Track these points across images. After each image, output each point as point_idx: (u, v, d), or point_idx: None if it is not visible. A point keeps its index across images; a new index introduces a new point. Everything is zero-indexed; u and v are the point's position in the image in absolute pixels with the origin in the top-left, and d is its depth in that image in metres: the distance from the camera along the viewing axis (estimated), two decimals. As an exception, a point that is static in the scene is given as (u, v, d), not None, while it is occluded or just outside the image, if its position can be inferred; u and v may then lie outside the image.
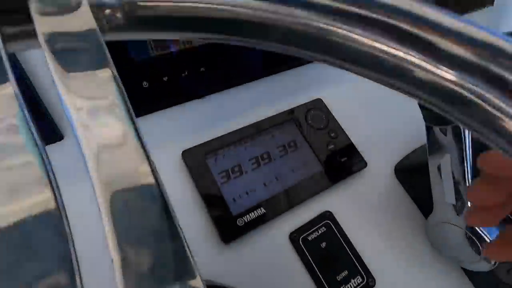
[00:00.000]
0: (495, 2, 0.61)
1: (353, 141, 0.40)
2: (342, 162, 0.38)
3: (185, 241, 0.11)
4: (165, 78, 0.32)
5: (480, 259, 0.30)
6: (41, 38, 0.11)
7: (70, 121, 0.11)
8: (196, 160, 0.34)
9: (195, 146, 0.34)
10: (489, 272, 0.33)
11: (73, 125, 0.11)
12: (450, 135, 0.29)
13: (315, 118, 0.40)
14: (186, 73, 0.33)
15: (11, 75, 0.11)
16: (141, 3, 0.13)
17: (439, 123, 0.30)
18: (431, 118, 0.30)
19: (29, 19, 0.11)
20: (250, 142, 0.37)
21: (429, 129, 0.31)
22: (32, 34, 0.11)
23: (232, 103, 0.38)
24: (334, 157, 0.38)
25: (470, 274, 0.35)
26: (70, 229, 0.10)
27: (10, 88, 0.10)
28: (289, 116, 0.39)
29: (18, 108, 0.10)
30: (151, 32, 0.14)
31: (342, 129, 0.40)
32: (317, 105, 0.41)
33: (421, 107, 0.30)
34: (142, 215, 0.11)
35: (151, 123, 0.34)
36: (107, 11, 0.13)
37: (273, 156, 0.37)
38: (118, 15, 0.13)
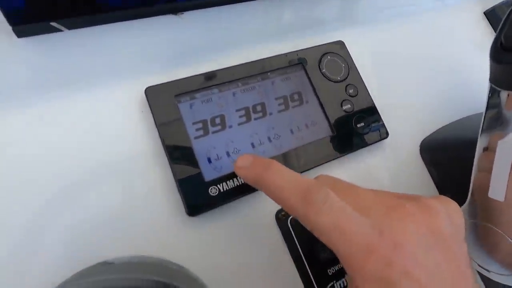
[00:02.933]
0: None
1: (375, 103, 0.31)
2: (358, 127, 0.29)
3: None
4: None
5: (518, 274, 0.23)
6: None
7: None
8: (164, 102, 0.25)
9: (164, 83, 0.25)
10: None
11: None
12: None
13: (331, 66, 0.30)
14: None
15: None
16: None
17: (513, 88, 0.20)
18: (504, 78, 0.20)
19: None
20: (240, 87, 0.27)
21: (493, 94, 0.22)
22: None
23: (222, 28, 0.28)
24: (349, 121, 0.29)
25: (490, 284, 0.29)
26: None
27: None
28: (298, 59, 0.30)
29: None
30: None
31: (365, 86, 0.31)
32: (337, 50, 0.31)
33: (494, 59, 0.20)
34: None
35: (103, 37, 0.24)
36: None
37: (269, 109, 0.28)
38: None
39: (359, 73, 0.31)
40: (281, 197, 0.18)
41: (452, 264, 0.17)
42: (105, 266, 0.20)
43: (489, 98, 0.22)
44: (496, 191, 0.23)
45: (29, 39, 0.21)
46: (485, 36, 0.41)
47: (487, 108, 0.22)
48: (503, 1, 0.43)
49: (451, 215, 0.18)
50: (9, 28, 0.20)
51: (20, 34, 0.20)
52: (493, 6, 0.43)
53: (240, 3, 0.27)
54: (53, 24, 0.20)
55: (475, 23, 0.41)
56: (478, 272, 0.29)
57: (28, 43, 0.21)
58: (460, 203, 0.26)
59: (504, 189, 0.22)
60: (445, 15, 0.39)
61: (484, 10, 0.43)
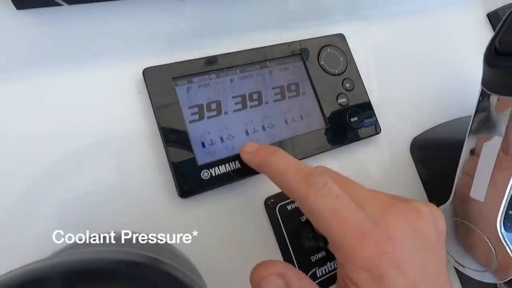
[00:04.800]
0: None
1: (370, 98, 0.31)
2: (352, 122, 0.30)
3: None
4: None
5: (490, 270, 0.24)
6: None
7: None
8: (162, 84, 0.25)
9: (163, 65, 0.25)
10: (490, 285, 0.28)
11: None
12: None
13: (330, 58, 0.31)
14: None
15: None
16: None
17: (504, 91, 0.21)
18: (495, 83, 0.21)
19: None
20: (238, 74, 0.27)
21: (483, 98, 0.22)
22: None
23: (224, 12, 0.28)
24: (343, 114, 0.30)
25: (464, 279, 0.31)
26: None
27: None
28: (297, 49, 0.30)
29: None
30: None
31: (362, 81, 0.31)
32: (337, 42, 0.31)
33: (488, 63, 0.20)
34: None
35: (104, 15, 0.24)
36: None
37: (265, 98, 0.28)
38: None
39: (357, 68, 0.31)
40: (284, 178, 0.20)
41: (436, 266, 0.18)
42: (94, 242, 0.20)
43: (479, 101, 0.23)
44: (478, 192, 0.24)
45: (28, 12, 0.21)
46: (487, 39, 0.41)
47: (477, 111, 0.23)
48: (506, 4, 0.43)
49: (436, 221, 0.20)
50: (8, -1, 0.20)
51: (19, 5, 0.20)
52: (497, 9, 0.43)
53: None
54: (53, -3, 0.20)
55: (478, 25, 0.42)
56: (454, 268, 0.30)
57: (27, 15, 0.21)
58: (444, 202, 0.27)
59: (485, 190, 0.23)
60: (448, 15, 0.39)
61: (488, 12, 0.43)
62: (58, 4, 0.21)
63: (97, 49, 0.24)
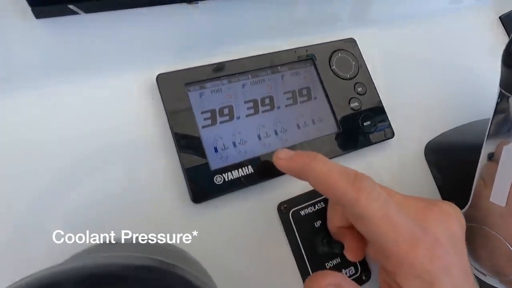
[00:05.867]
0: None
1: (383, 102, 0.31)
2: (365, 126, 0.29)
3: None
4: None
5: (513, 278, 0.23)
6: None
7: None
8: (175, 90, 0.25)
9: (175, 71, 0.25)
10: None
11: None
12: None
13: (342, 63, 0.31)
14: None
15: None
16: None
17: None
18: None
19: None
20: (250, 79, 0.28)
21: (502, 99, 0.22)
22: None
23: (236, 20, 0.28)
24: (356, 118, 0.29)
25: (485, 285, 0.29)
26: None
27: None
28: (309, 55, 0.30)
29: None
30: None
31: (374, 85, 0.31)
32: (348, 47, 0.31)
33: (506, 64, 0.20)
34: None
35: (119, 23, 0.24)
36: None
37: (277, 103, 0.28)
38: None
39: (368, 72, 0.31)
40: (329, 183, 0.19)
41: (468, 266, 0.19)
42: (110, 245, 0.20)
43: (497, 103, 0.22)
44: (498, 196, 0.23)
45: (47, 21, 0.21)
46: (499, 41, 0.41)
47: (495, 113, 0.22)
48: (520, 7, 0.43)
49: (460, 219, 0.20)
50: (29, 8, 0.20)
51: (38, 15, 0.21)
52: (509, 11, 0.42)
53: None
54: (71, 6, 0.21)
55: (490, 27, 0.41)
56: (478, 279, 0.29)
57: (46, 24, 0.21)
58: (461, 207, 0.27)
59: (506, 194, 0.23)
60: (460, 18, 0.39)
61: (500, 15, 0.42)
62: (76, 13, 0.21)
63: (112, 56, 0.25)
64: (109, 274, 0.15)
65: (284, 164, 0.22)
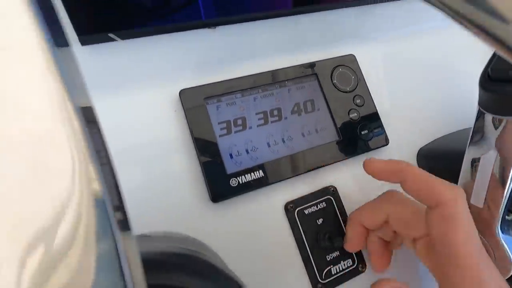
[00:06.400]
0: None
1: (379, 113, 0.34)
2: (362, 134, 0.33)
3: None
4: (169, -7, 0.26)
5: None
6: None
7: None
8: (195, 103, 0.29)
9: (196, 87, 0.29)
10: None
11: None
12: (504, 129, 0.24)
13: (342, 77, 0.34)
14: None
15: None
16: None
17: (496, 111, 0.24)
18: (489, 104, 0.24)
19: None
20: (260, 93, 0.31)
21: (480, 116, 0.25)
22: None
23: (248, 41, 0.31)
24: (354, 128, 0.33)
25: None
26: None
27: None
28: (312, 70, 0.33)
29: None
30: None
31: (371, 97, 0.34)
32: (348, 63, 0.35)
33: (482, 87, 0.23)
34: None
35: (149, 47, 0.28)
36: None
37: (284, 114, 0.31)
38: None
39: (366, 85, 0.35)
40: (428, 182, 0.23)
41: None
42: (143, 237, 0.24)
43: (477, 118, 0.26)
44: (477, 199, 0.27)
45: (91, 47, 0.25)
46: (490, 53, 0.44)
47: (474, 127, 0.26)
48: None
49: None
50: (76, 37, 0.24)
51: (84, 42, 0.24)
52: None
53: (263, 20, 0.31)
54: (110, 35, 0.25)
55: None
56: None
57: (90, 50, 0.25)
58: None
59: (484, 197, 0.26)
60: (452, 34, 0.42)
61: (491, 29, 0.45)
62: (114, 40, 0.25)
63: (142, 75, 0.28)
64: (149, 259, 0.19)
65: (380, 166, 0.25)
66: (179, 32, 0.28)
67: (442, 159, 0.35)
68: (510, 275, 0.26)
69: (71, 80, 0.07)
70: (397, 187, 0.34)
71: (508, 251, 0.25)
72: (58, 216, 0.07)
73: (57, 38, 0.08)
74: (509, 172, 0.24)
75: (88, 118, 0.08)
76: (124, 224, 0.10)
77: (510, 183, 0.24)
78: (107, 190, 0.08)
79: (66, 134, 0.07)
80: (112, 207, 0.08)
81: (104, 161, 0.08)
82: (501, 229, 0.26)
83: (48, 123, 0.07)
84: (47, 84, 0.07)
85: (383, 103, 0.35)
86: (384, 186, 0.34)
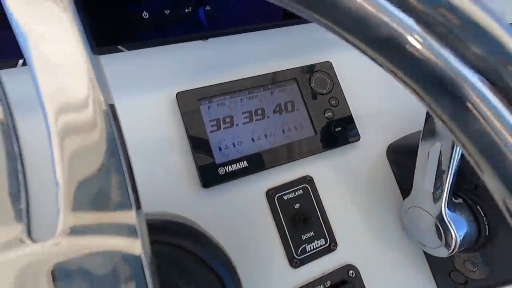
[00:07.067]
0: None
1: (352, 111, 0.39)
2: (336, 131, 0.38)
3: (129, 175, 0.11)
4: (166, 11, 0.31)
5: (441, 245, 0.31)
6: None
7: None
8: (190, 104, 0.34)
9: (190, 90, 0.34)
10: (447, 260, 0.35)
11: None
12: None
13: (319, 81, 0.39)
14: (190, 9, 0.31)
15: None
16: None
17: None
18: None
19: None
20: (246, 95, 0.36)
21: (428, 115, 0.30)
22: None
23: (236, 50, 0.36)
24: (329, 126, 0.38)
25: (430, 258, 0.37)
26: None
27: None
28: (293, 75, 0.38)
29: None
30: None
31: (345, 98, 0.39)
32: (325, 68, 0.40)
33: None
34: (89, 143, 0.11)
35: (151, 56, 0.33)
36: None
37: (267, 113, 0.36)
38: None
39: (341, 88, 0.39)
40: None
41: None
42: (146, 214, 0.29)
43: (426, 117, 0.30)
44: (428, 185, 0.31)
45: (101, 57, 0.30)
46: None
47: (425, 125, 0.30)
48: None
49: None
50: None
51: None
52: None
53: (249, 32, 0.36)
54: (119, 47, 0.30)
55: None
56: (425, 253, 0.37)
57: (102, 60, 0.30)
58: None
59: (433, 182, 0.31)
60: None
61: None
62: (121, 51, 0.30)
63: (145, 80, 0.33)
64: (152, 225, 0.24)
65: None
66: (176, 44, 0.33)
67: (408, 154, 0.39)
68: (452, 250, 0.30)
69: (103, 81, 0.12)
70: (368, 177, 0.39)
71: (453, 227, 0.30)
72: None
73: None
74: (451, 161, 0.29)
75: (113, 114, 0.12)
76: (138, 203, 0.13)
77: (451, 171, 0.29)
78: (128, 175, 0.12)
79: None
80: (131, 189, 0.12)
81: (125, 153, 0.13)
82: (448, 208, 0.30)
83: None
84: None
85: (356, 104, 0.40)
86: (358, 177, 0.38)
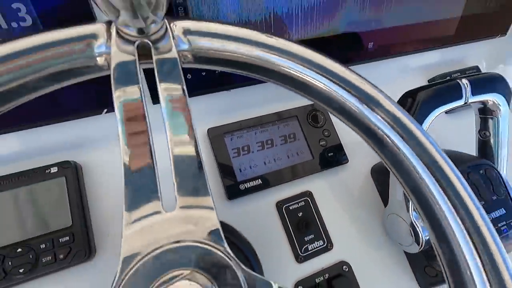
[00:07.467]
0: (508, 32, 0.65)
1: (341, 141, 0.50)
2: (329, 155, 0.48)
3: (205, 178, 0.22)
4: (203, 73, 0.43)
5: (413, 242, 0.41)
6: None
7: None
8: (217, 136, 0.45)
9: (217, 126, 0.46)
10: (421, 257, 0.44)
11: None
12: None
13: (315, 118, 0.50)
14: (218, 71, 0.44)
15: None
16: (203, 51, 0.23)
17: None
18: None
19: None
20: (259, 129, 0.47)
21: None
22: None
23: (251, 97, 0.48)
24: (324, 152, 0.48)
25: (408, 256, 0.46)
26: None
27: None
28: (294, 113, 0.50)
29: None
30: (206, 65, 0.24)
31: (335, 130, 0.50)
32: (319, 107, 0.51)
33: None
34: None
35: (190, 102, 0.45)
36: (184, 52, 0.23)
37: (275, 142, 0.47)
38: (189, 55, 0.24)
39: (332, 122, 0.51)
40: None
41: None
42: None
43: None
44: (399, 196, 0.41)
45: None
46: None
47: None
48: (444, 73, 0.62)
49: None
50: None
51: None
52: (436, 76, 0.61)
53: (264, 83, 0.48)
54: (169, 97, 0.41)
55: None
56: (404, 251, 0.46)
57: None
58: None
59: (402, 195, 0.41)
60: (399, 84, 0.59)
61: (428, 79, 0.62)
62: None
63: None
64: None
65: None
66: (207, 94, 0.45)
67: (386, 173, 0.49)
68: (421, 246, 0.39)
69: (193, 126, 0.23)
70: (356, 191, 0.49)
71: (419, 228, 0.39)
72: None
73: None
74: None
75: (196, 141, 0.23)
76: (211, 194, 0.24)
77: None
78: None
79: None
80: (208, 185, 0.23)
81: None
82: (415, 212, 0.40)
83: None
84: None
85: (345, 134, 0.51)
86: (348, 191, 0.48)
